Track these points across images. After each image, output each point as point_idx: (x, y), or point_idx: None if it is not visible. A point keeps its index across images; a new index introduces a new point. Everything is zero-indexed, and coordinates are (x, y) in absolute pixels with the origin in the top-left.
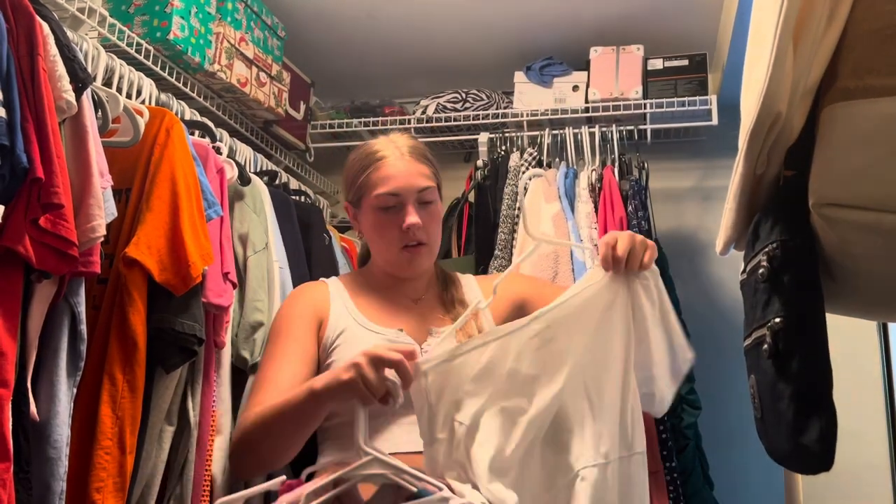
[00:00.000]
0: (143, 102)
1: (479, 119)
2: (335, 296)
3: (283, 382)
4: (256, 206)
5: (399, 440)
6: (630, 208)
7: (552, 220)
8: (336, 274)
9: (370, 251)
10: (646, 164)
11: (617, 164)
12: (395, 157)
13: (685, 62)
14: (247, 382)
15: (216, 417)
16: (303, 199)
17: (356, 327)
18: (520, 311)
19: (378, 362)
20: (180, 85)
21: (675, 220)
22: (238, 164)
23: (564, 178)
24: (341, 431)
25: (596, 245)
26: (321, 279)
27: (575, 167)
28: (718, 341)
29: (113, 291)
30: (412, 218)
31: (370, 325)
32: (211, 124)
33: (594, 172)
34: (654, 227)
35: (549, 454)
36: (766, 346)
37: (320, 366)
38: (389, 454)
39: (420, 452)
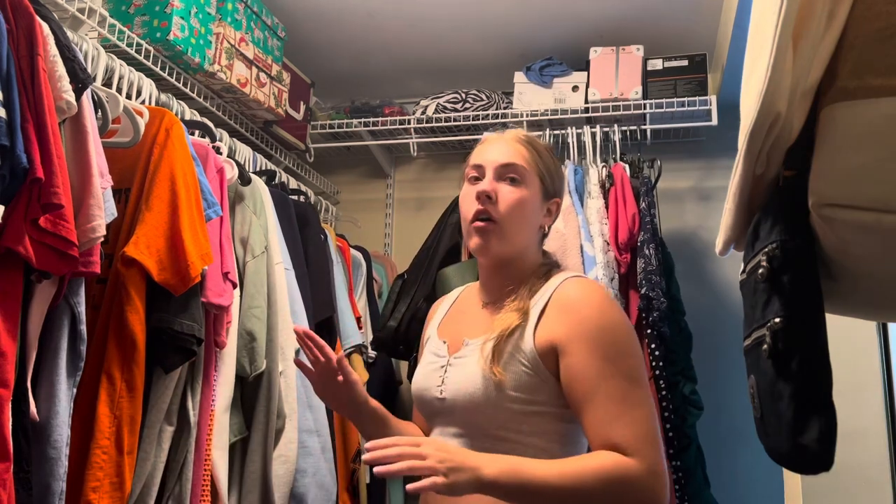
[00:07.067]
0: (143, 103)
1: (479, 119)
2: (444, 305)
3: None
4: (257, 207)
5: None
6: (643, 205)
7: (562, 214)
8: (329, 272)
9: None
10: (655, 162)
11: (628, 162)
12: (495, 137)
13: (685, 62)
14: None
15: (214, 416)
16: (299, 198)
17: (430, 337)
18: (553, 353)
19: None
20: (180, 85)
21: (675, 220)
22: (238, 163)
23: (574, 174)
24: None
25: (606, 241)
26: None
27: (577, 167)
28: (718, 341)
29: (112, 291)
30: (483, 185)
31: (433, 334)
32: (211, 124)
33: (605, 169)
34: (659, 225)
35: None
36: (765, 346)
37: None
38: None
39: None
